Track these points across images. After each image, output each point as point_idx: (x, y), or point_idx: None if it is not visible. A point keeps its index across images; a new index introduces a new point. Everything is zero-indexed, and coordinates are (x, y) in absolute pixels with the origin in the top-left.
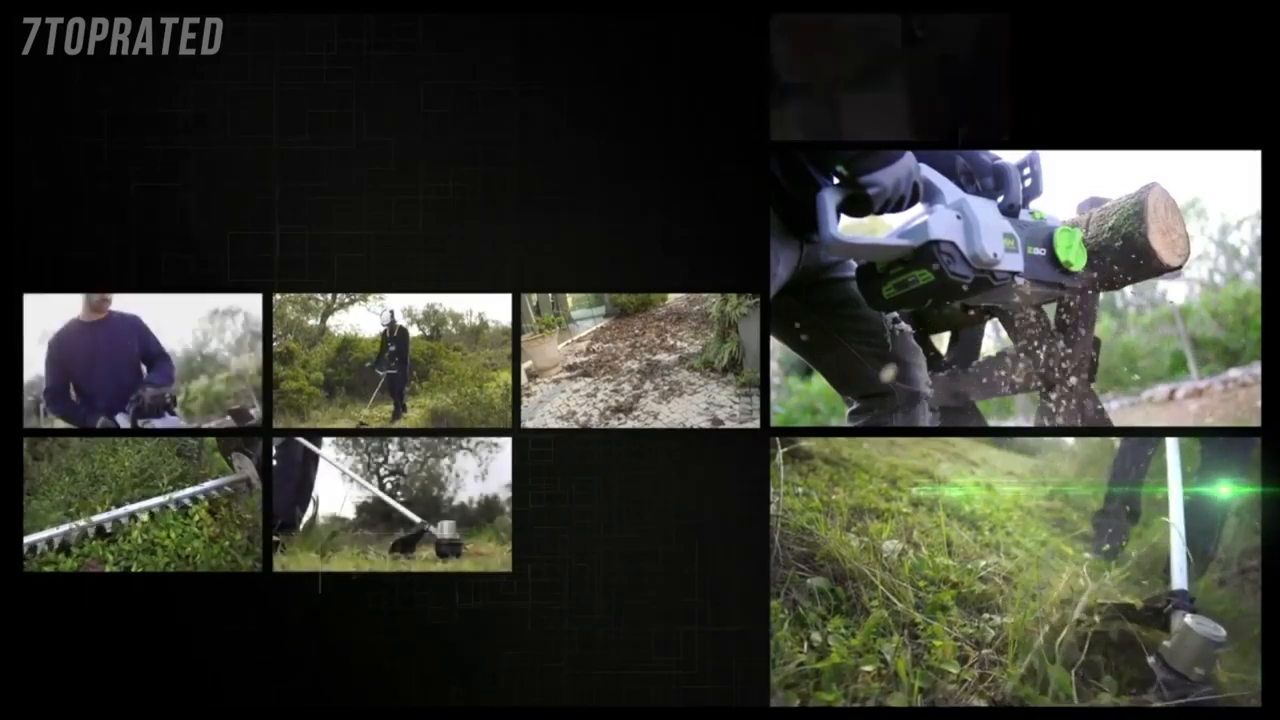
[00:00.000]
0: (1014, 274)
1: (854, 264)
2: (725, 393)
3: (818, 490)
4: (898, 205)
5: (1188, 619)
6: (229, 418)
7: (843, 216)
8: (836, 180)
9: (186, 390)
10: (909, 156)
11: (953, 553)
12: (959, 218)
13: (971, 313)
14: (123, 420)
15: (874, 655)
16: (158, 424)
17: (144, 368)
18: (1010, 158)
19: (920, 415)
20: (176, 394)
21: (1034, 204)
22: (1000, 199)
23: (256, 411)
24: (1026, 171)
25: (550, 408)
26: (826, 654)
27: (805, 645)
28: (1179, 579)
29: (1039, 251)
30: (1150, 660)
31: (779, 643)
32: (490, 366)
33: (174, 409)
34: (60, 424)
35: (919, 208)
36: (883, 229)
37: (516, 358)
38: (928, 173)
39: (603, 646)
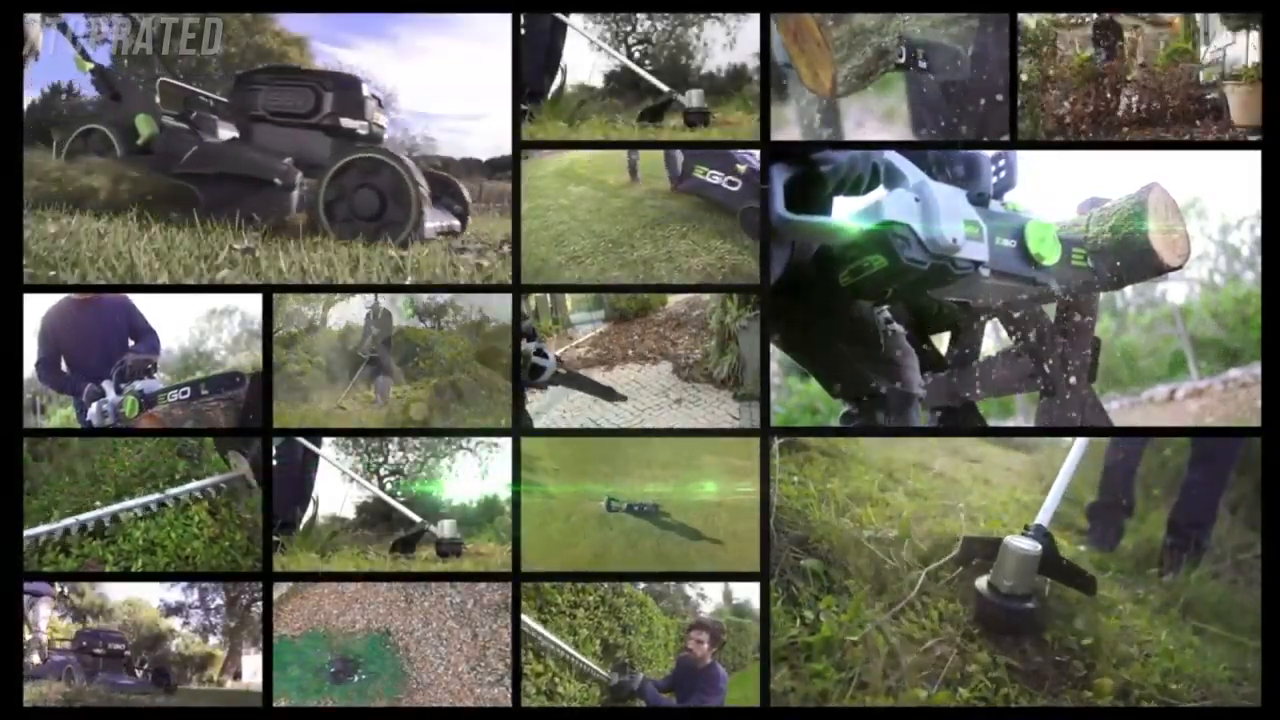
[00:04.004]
0: (978, 264)
1: None
2: (725, 407)
3: (814, 479)
4: (855, 186)
5: (1007, 538)
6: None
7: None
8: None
9: None
10: None
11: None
12: (917, 200)
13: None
14: (108, 386)
15: (862, 629)
16: (139, 386)
17: (131, 342)
18: None
19: (914, 416)
20: (158, 362)
21: (1010, 196)
22: (969, 188)
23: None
24: (1001, 163)
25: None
26: (818, 629)
27: (798, 622)
28: (1042, 516)
29: (1008, 243)
30: (980, 584)
31: (774, 618)
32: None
33: (154, 373)
34: (55, 418)
35: (881, 191)
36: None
37: (516, 357)
38: (891, 156)
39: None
